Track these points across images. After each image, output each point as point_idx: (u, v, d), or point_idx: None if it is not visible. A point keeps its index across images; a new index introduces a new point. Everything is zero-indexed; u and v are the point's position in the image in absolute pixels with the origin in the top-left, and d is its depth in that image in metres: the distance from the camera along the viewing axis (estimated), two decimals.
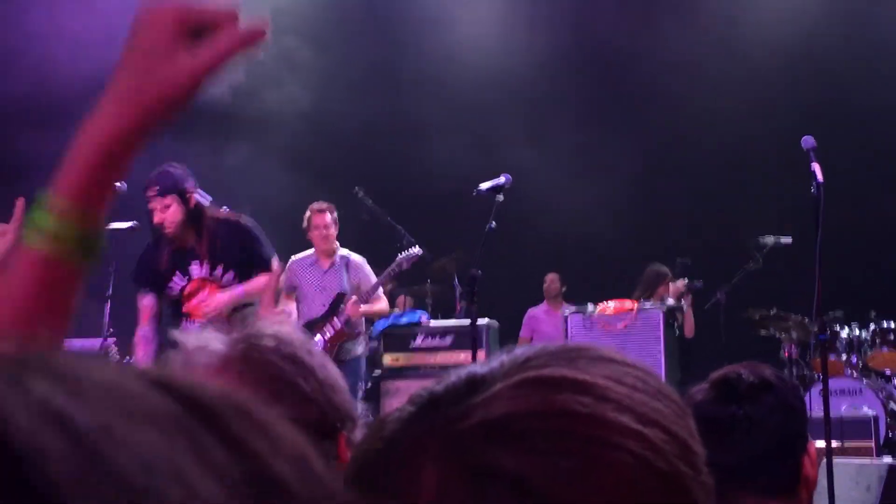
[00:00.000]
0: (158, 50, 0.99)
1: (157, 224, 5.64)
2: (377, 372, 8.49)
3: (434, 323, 8.62)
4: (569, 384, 0.72)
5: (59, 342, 1.02)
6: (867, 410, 7.36)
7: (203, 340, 1.37)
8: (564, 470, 0.69)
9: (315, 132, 11.11)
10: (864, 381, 7.85)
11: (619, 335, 7.72)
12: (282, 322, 1.52)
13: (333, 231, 7.58)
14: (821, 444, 4.61)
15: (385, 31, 11.68)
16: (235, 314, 5.64)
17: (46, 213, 0.99)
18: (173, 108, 1.02)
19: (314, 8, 11.54)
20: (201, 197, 5.73)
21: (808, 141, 5.22)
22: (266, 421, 0.36)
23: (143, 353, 5.68)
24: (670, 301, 8.51)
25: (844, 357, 8.11)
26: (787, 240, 8.66)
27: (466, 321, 6.71)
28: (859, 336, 8.18)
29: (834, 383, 7.28)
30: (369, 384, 8.42)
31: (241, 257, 5.76)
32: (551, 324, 9.62)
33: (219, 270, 5.72)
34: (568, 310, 9.30)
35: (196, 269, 5.74)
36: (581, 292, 9.04)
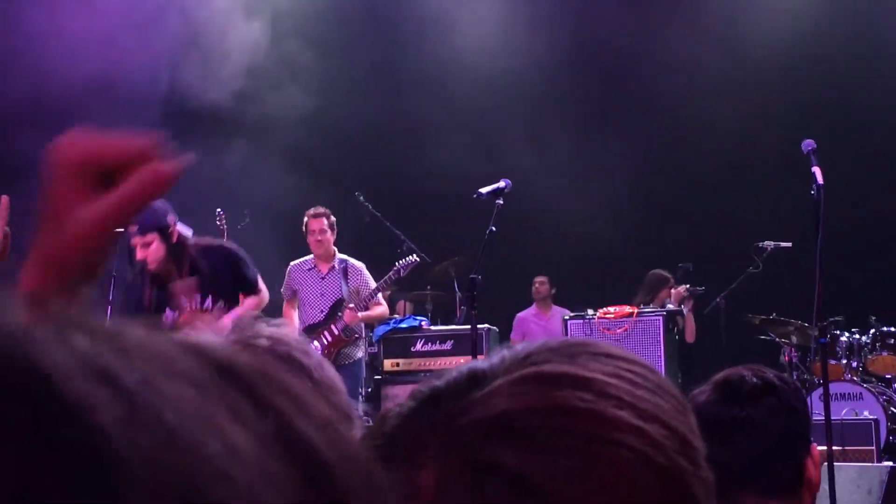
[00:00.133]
0: (63, 198, 0.89)
1: (140, 261, 5.60)
2: (377, 376, 8.49)
3: (434, 328, 8.62)
4: (569, 380, 0.72)
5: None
6: (867, 414, 7.36)
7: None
8: (564, 467, 0.68)
9: (316, 135, 11.11)
10: (865, 385, 7.84)
11: (620, 340, 7.72)
12: (280, 325, 1.52)
13: (329, 236, 7.58)
14: (821, 448, 4.61)
15: (386, 33, 11.69)
16: None
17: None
18: (88, 262, 0.91)
19: (315, 11, 11.55)
20: (183, 230, 5.67)
21: (808, 144, 5.23)
22: (293, 387, 0.37)
23: None
24: (671, 306, 8.52)
25: (844, 361, 8.10)
26: (786, 244, 8.67)
27: (466, 326, 6.71)
28: (859, 340, 8.18)
29: (834, 388, 7.28)
30: (370, 388, 8.42)
31: (229, 282, 5.75)
32: (541, 326, 9.62)
33: (208, 302, 5.69)
34: (567, 314, 9.32)
35: (185, 303, 5.71)
36: (581, 295, 9.03)
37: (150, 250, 5.50)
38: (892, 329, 8.12)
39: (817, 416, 5.24)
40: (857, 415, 7.39)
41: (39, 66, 9.07)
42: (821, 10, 10.78)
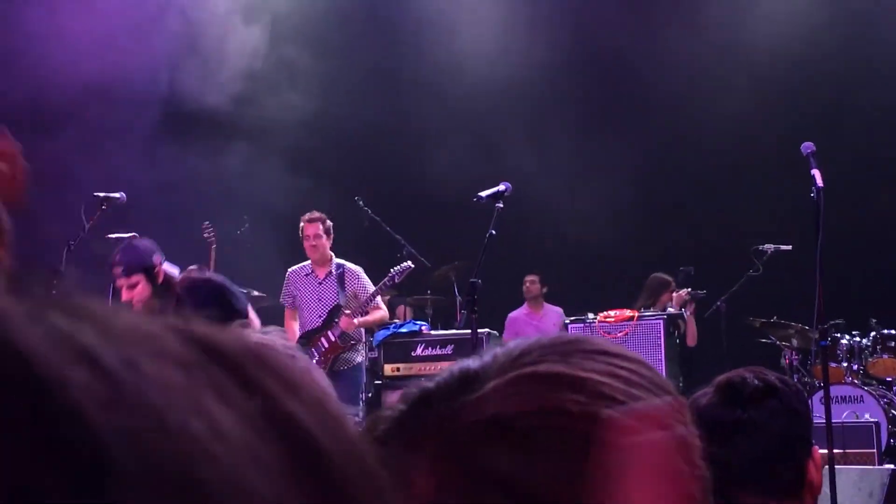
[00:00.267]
0: None
1: (125, 302, 5.55)
2: (378, 381, 8.48)
3: (434, 332, 8.61)
4: (562, 381, 0.72)
5: None
6: (868, 417, 7.36)
7: None
8: (559, 470, 0.68)
9: (316, 138, 11.12)
10: (865, 388, 7.84)
11: (620, 343, 7.70)
12: (268, 332, 1.51)
13: (325, 241, 7.57)
14: (822, 451, 4.60)
15: (385, 35, 11.70)
16: None
17: None
18: None
19: (314, 13, 11.55)
20: (169, 269, 5.63)
21: (807, 146, 5.24)
22: (281, 367, 0.37)
23: None
24: (672, 309, 8.52)
25: (845, 364, 8.10)
26: (786, 247, 8.67)
27: (467, 330, 6.70)
28: (860, 343, 8.18)
29: (835, 391, 7.28)
30: (370, 393, 8.41)
31: (218, 318, 5.72)
32: (533, 326, 9.60)
33: None
34: (559, 312, 9.32)
35: None
36: (581, 298, 9.04)
37: (136, 291, 5.42)
38: (893, 332, 8.12)
39: (818, 419, 5.23)
40: (857, 418, 7.39)
41: (39, 67, 9.06)
42: (820, 12, 10.79)
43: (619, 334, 7.87)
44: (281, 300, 7.89)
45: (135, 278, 5.38)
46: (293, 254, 7.91)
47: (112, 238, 7.16)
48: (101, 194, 6.80)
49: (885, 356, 8.09)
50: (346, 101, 11.42)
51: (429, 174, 10.84)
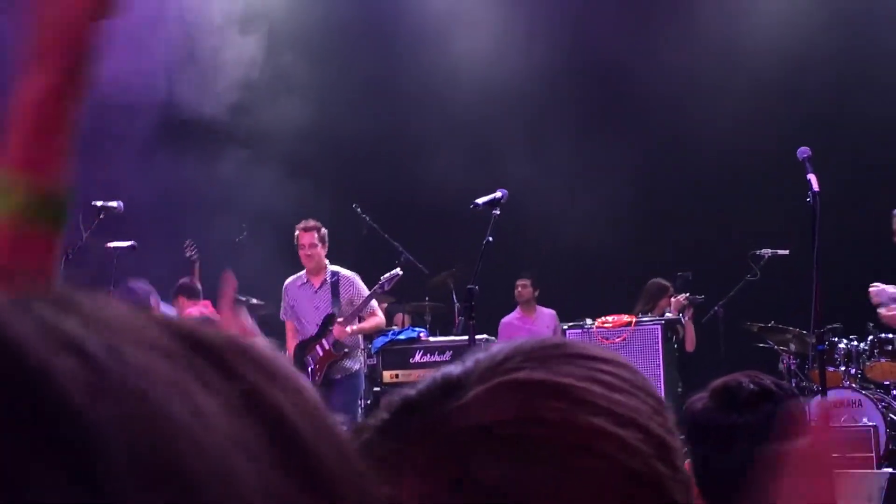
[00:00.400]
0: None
1: None
2: (376, 388, 8.48)
3: (433, 339, 8.62)
4: (543, 388, 0.72)
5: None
6: (866, 421, 7.35)
7: None
8: (541, 478, 0.68)
9: (313, 146, 11.12)
10: (863, 392, 7.84)
11: (618, 349, 7.72)
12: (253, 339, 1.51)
13: (320, 250, 7.57)
14: None
15: (383, 44, 11.71)
16: None
17: (2, 190, 0.97)
18: (85, 43, 0.97)
19: (311, 22, 11.57)
20: (165, 310, 5.64)
21: (803, 151, 5.25)
22: (261, 357, 0.37)
23: None
24: (669, 314, 8.53)
25: (843, 368, 8.09)
26: (784, 252, 8.68)
27: (465, 337, 6.71)
28: (857, 347, 8.17)
29: (833, 395, 7.28)
30: (369, 400, 8.41)
31: None
32: (526, 329, 9.58)
33: None
34: (553, 314, 9.30)
35: None
36: (579, 304, 9.03)
37: None
38: (890, 336, 8.11)
39: None
40: (855, 422, 7.38)
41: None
42: (816, 18, 10.80)
43: (616, 340, 7.88)
44: (281, 316, 7.88)
45: None
46: (291, 262, 7.91)
47: (110, 247, 7.18)
48: (99, 203, 6.80)
49: (883, 360, 8.08)
50: (344, 108, 11.42)
51: (426, 181, 10.84)
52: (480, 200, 5.99)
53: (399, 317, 9.90)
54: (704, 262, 9.67)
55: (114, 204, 6.84)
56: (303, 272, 7.74)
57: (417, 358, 8.31)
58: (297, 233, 7.58)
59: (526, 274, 9.81)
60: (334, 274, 7.66)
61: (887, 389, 8.13)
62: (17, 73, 0.98)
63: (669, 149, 11.18)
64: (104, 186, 7.49)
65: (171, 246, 9.05)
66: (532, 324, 9.70)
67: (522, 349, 0.76)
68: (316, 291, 7.66)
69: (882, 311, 6.85)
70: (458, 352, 8.07)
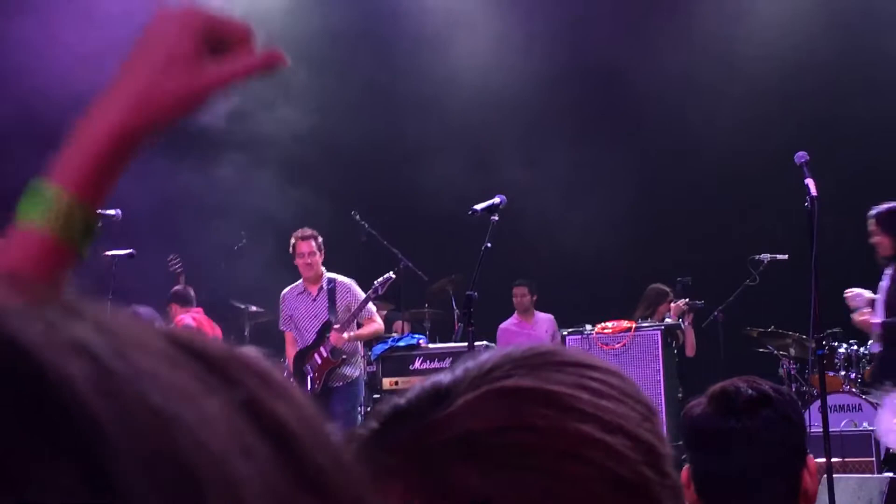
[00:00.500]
0: (180, 53, 0.99)
1: None
2: (376, 395, 8.47)
3: (432, 346, 8.61)
4: (532, 396, 0.71)
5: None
6: (867, 426, 7.34)
7: None
8: (529, 486, 0.68)
9: (312, 153, 11.13)
10: (864, 396, 7.83)
11: (618, 355, 7.71)
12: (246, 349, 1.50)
13: (318, 258, 7.56)
14: (821, 460, 4.60)
15: (381, 51, 11.72)
16: None
17: (46, 200, 0.99)
18: (181, 114, 1.01)
19: (310, 30, 11.57)
20: None
21: (800, 156, 5.26)
22: (260, 367, 0.38)
23: None
24: (669, 320, 8.52)
25: (843, 373, 8.09)
26: (782, 256, 8.68)
27: (464, 343, 6.70)
28: (857, 351, 8.17)
29: (833, 399, 7.28)
30: (369, 407, 8.40)
31: None
32: (524, 335, 9.57)
33: None
34: (551, 318, 9.27)
35: None
36: (578, 310, 9.03)
37: None
38: None
39: (816, 427, 5.23)
40: (856, 426, 7.38)
41: (32, 81, 9.05)
42: (814, 23, 10.82)
43: (616, 345, 7.87)
44: (281, 327, 7.87)
45: None
46: (291, 269, 7.91)
47: (109, 255, 7.17)
48: (97, 211, 6.79)
49: None
50: (342, 116, 11.43)
51: (425, 188, 10.85)
52: (479, 206, 5.98)
53: (398, 324, 9.89)
54: (704, 267, 9.67)
55: (111, 212, 6.83)
56: (300, 281, 7.73)
57: (417, 365, 8.30)
58: (293, 241, 7.56)
59: (522, 282, 9.77)
60: (331, 281, 7.65)
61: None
62: (99, 91, 1.01)
63: (668, 153, 11.19)
64: None
65: (169, 254, 9.05)
66: (531, 329, 9.68)
67: (511, 357, 0.75)
68: (314, 300, 7.65)
69: (854, 315, 6.86)
70: (457, 358, 8.03)
